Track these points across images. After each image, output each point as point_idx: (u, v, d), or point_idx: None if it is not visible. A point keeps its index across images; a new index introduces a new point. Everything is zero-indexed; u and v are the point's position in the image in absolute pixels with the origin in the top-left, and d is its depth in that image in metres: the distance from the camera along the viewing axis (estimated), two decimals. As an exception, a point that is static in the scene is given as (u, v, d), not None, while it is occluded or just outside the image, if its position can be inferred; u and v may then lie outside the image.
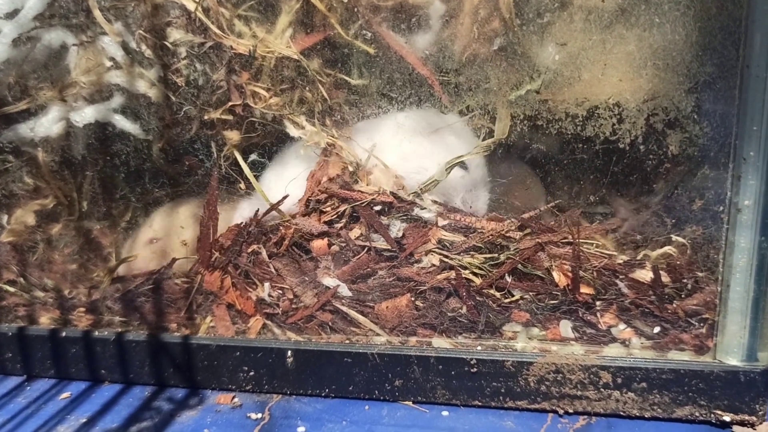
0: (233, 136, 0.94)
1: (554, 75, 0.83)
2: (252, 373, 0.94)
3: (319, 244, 0.94)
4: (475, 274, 0.90)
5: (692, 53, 0.80)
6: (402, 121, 0.91)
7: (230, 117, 0.93)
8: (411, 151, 0.91)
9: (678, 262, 0.87)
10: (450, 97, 0.88)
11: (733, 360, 0.83)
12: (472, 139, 0.91)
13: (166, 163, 0.97)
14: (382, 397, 0.92)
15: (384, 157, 0.92)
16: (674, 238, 0.88)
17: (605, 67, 0.82)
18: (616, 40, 0.81)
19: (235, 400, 0.94)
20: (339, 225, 0.93)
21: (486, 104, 0.87)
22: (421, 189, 0.92)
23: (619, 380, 0.84)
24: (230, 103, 0.91)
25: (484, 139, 0.90)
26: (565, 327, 0.89)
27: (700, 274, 0.86)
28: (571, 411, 0.86)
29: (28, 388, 1.01)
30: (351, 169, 0.92)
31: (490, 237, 0.89)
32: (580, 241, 0.88)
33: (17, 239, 1.04)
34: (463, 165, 0.93)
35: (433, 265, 0.91)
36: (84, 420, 0.91)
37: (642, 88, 0.82)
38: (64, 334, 1.00)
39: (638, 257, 0.89)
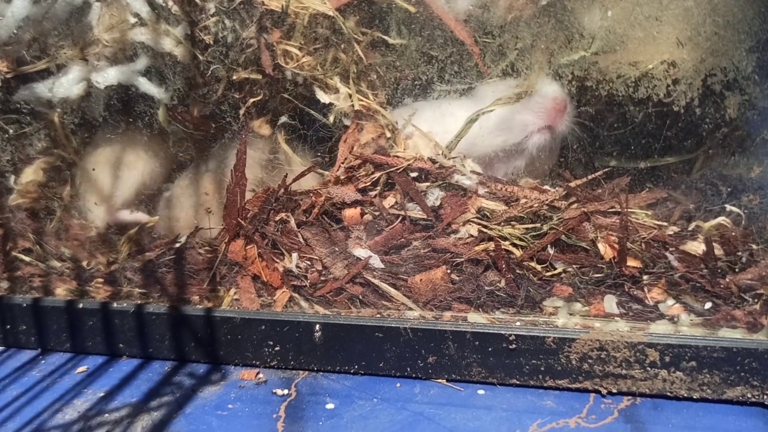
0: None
1: (606, 33, 0.79)
2: (277, 348, 0.91)
3: (351, 213, 0.90)
4: (515, 245, 0.87)
5: (754, 9, 0.76)
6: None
7: (259, 77, 0.89)
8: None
9: (732, 234, 0.83)
10: (494, 57, 0.84)
11: (789, 338, 0.79)
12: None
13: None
14: (414, 375, 0.88)
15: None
16: (729, 207, 0.84)
17: (660, 24, 0.78)
18: (673, -6, 0.77)
19: (260, 376, 0.91)
20: (373, 193, 0.90)
21: (532, 64, 0.83)
22: (447, 148, 0.88)
23: (667, 359, 0.80)
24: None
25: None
26: (610, 302, 0.86)
27: (755, 247, 0.83)
28: (614, 391, 0.83)
29: (43, 361, 0.98)
30: (388, 135, 0.88)
31: (533, 206, 0.85)
32: (628, 210, 0.84)
33: (27, 201, 1.00)
34: None
35: (471, 235, 0.87)
36: (102, 394, 0.88)
37: (700, 46, 0.78)
38: (81, 305, 0.97)
39: (690, 228, 0.85)
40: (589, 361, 0.82)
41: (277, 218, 0.93)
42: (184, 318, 0.93)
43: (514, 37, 0.83)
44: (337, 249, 0.91)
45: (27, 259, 1.02)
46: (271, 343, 0.91)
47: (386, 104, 0.89)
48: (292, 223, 0.92)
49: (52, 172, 0.99)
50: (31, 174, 0.99)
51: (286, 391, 0.87)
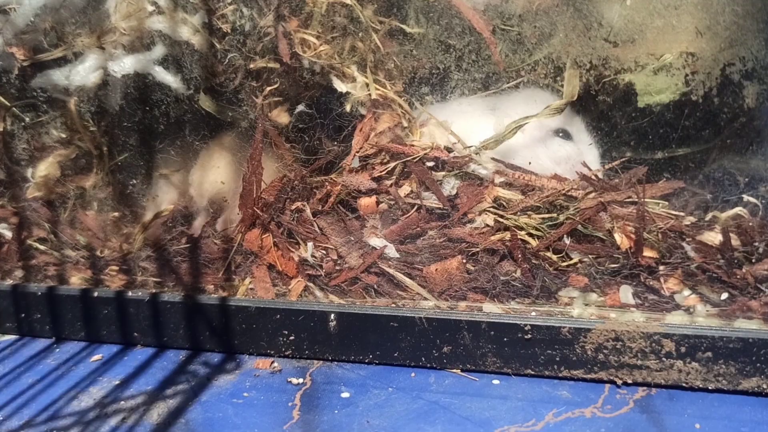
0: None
1: (625, 22, 0.79)
2: (292, 338, 0.91)
3: (366, 202, 0.90)
4: (531, 235, 0.86)
5: (774, -2, 0.76)
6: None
7: (277, 65, 0.89)
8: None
9: (749, 224, 0.83)
10: (512, 46, 0.83)
11: (805, 329, 0.79)
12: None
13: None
14: (429, 365, 0.88)
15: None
16: (746, 198, 0.84)
17: (679, 14, 0.77)
18: (692, -17, 0.77)
19: (275, 365, 0.91)
20: (388, 182, 0.89)
21: (551, 53, 0.82)
22: (481, 146, 0.87)
23: (683, 349, 0.80)
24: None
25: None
26: (626, 293, 0.85)
27: (772, 238, 0.82)
28: (630, 381, 0.82)
29: (57, 350, 0.98)
30: (405, 124, 0.88)
31: (550, 196, 0.85)
32: (645, 200, 0.83)
33: (44, 194, 1.00)
34: (566, 136, 0.88)
35: (487, 225, 0.87)
36: (117, 382, 0.88)
37: (719, 35, 0.77)
38: (95, 294, 0.97)
39: (706, 218, 0.84)
40: (605, 351, 0.82)
41: (293, 207, 0.93)
42: (198, 307, 0.93)
43: (532, 26, 0.82)
44: (352, 238, 0.91)
45: (42, 247, 1.02)
46: (286, 332, 0.91)
47: (403, 93, 0.89)
48: (308, 212, 0.92)
49: (71, 162, 0.99)
50: (48, 168, 0.99)
51: (301, 380, 0.87)
